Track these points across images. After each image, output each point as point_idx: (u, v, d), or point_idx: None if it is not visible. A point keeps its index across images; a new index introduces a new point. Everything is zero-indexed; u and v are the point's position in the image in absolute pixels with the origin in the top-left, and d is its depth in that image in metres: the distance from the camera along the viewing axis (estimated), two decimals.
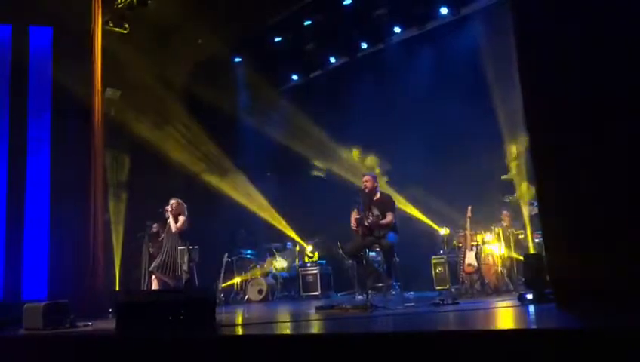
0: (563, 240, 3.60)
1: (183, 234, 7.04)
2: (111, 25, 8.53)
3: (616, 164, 3.37)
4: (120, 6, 8.41)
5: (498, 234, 7.08)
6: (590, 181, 3.43)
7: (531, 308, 4.02)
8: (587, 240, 3.42)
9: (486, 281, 6.56)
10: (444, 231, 8.24)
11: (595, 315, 2.94)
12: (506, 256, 6.87)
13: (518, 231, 7.22)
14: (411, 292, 7.09)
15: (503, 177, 7.39)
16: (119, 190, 9.26)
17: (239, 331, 4.24)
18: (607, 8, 3.51)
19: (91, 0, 7.98)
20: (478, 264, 6.62)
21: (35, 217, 8.21)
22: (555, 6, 3.75)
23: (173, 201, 7.12)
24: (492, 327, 3.17)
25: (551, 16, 3.76)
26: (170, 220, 7.06)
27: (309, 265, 9.44)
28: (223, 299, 8.90)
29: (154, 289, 6.76)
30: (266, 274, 9.30)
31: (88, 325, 5.18)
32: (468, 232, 6.82)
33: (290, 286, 9.45)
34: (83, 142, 8.01)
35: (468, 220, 6.83)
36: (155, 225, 7.47)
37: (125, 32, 8.65)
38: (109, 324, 5.25)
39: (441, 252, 8.09)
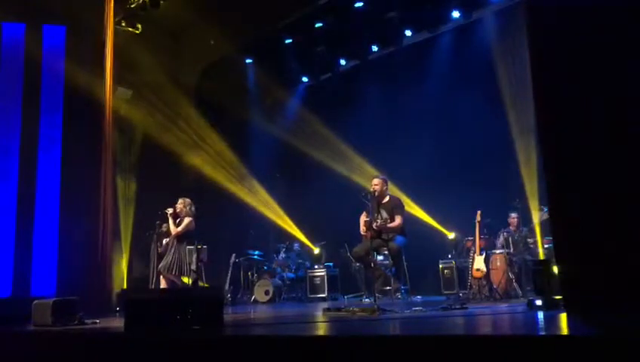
0: (574, 246, 3.57)
1: (185, 236, 6.88)
2: (123, 25, 8.60)
3: (629, 169, 3.34)
4: (132, 6, 8.47)
5: (507, 239, 7.04)
6: (602, 187, 3.40)
7: (540, 315, 3.99)
8: (598, 247, 3.39)
9: (494, 286, 6.51)
10: (452, 235, 8.21)
11: (605, 322, 2.92)
12: (514, 260, 6.83)
13: (528, 237, 7.17)
14: (419, 296, 7.06)
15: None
16: (129, 188, 9.31)
17: (246, 331, 4.25)
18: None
19: (104, 0, 8.06)
20: (487, 269, 6.58)
21: (45, 214, 8.28)
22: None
23: (179, 202, 7.02)
24: (500, 333, 3.15)
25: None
26: (170, 222, 6.91)
27: (316, 266, 9.44)
28: (230, 299, 8.93)
29: (162, 288, 6.77)
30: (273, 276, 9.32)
31: (96, 322, 5.20)
32: (477, 237, 6.78)
33: (297, 288, 9.46)
34: (94, 141, 8.08)
35: (477, 224, 6.79)
36: (164, 225, 7.47)
37: (137, 32, 8.71)
38: (116, 322, 5.29)
39: (450, 256, 8.06)
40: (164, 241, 7.15)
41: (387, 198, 6.74)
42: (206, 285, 7.09)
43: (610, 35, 3.52)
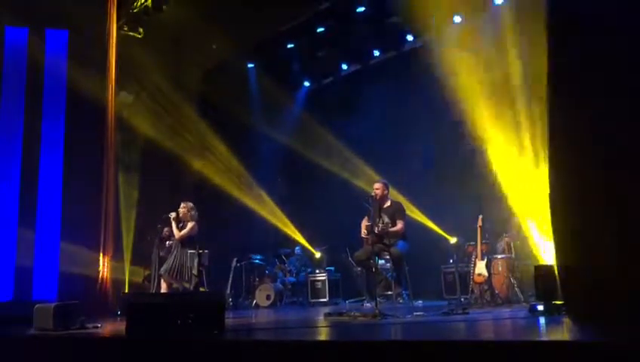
0: (575, 252, 3.57)
1: (189, 240, 6.90)
2: (126, 29, 8.63)
3: (630, 170, 3.34)
4: (135, 11, 8.50)
5: (509, 244, 7.02)
6: (604, 192, 3.40)
7: (542, 320, 3.99)
8: (600, 251, 3.39)
9: (496, 291, 6.50)
10: (454, 240, 8.19)
11: (607, 328, 2.91)
12: (516, 265, 6.81)
13: (529, 241, 7.15)
14: (420, 301, 7.05)
15: None
16: (130, 192, 9.31)
17: (247, 336, 4.24)
18: None
19: (107, 4, 8.10)
20: (489, 274, 6.56)
21: (47, 218, 8.29)
22: None
23: (182, 206, 7.04)
24: (502, 338, 3.15)
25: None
26: (174, 226, 6.94)
27: (317, 271, 9.43)
28: (231, 303, 8.92)
29: (163, 292, 6.77)
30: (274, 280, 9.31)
31: (97, 326, 5.20)
32: (478, 241, 6.76)
33: (298, 293, 9.45)
34: (96, 144, 8.10)
35: (479, 229, 6.77)
36: (165, 229, 7.48)
37: (140, 36, 8.74)
38: (118, 326, 5.28)
39: (451, 261, 8.04)
40: (166, 243, 7.16)
41: (389, 203, 6.74)
42: (205, 290, 7.08)
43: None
